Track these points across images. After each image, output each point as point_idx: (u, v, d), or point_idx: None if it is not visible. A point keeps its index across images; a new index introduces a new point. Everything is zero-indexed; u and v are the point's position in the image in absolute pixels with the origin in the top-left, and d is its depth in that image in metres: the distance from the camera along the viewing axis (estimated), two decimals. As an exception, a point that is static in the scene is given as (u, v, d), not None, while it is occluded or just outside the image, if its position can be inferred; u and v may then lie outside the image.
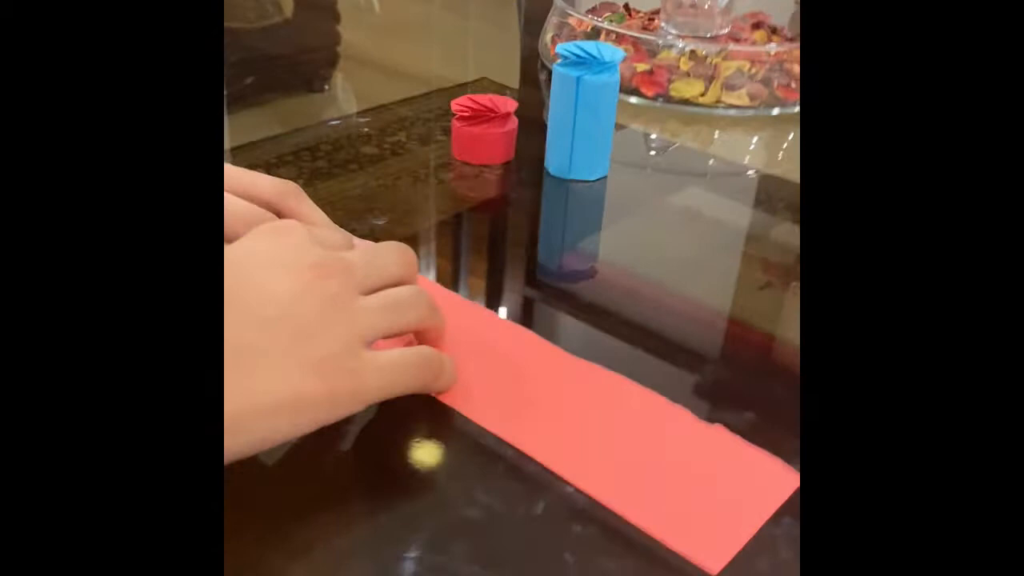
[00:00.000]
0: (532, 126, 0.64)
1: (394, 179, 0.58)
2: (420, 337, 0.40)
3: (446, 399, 0.39)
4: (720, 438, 0.38)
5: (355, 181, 0.57)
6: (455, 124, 0.60)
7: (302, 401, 0.32)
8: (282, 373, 0.31)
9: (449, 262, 0.51)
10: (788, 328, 0.47)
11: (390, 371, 0.35)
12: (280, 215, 0.42)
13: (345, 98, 0.81)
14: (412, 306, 0.37)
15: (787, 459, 0.37)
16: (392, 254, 0.38)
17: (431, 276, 0.49)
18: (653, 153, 0.69)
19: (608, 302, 0.48)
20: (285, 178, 0.44)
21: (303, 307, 0.33)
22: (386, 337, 0.36)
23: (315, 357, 0.32)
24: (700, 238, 0.55)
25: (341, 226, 0.44)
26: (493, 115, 0.58)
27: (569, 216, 0.57)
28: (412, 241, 0.51)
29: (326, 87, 0.80)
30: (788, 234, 0.56)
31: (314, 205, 0.43)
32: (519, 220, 0.57)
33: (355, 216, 0.52)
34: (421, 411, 0.38)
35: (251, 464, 0.34)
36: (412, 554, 0.31)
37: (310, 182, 0.57)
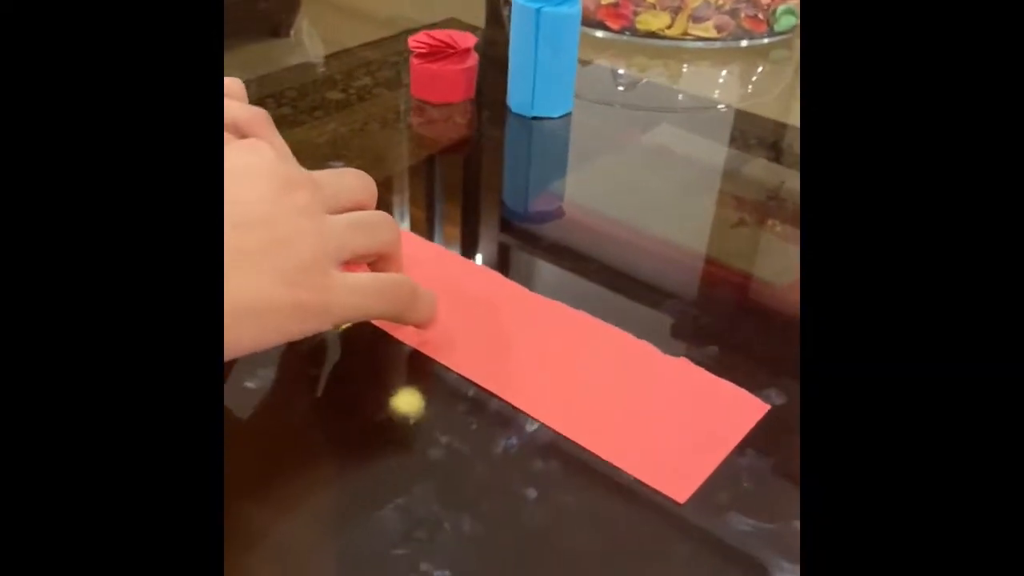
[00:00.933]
0: (498, 66, 0.62)
1: (362, 124, 0.56)
2: (380, 266, 0.38)
3: (408, 339, 0.38)
4: (685, 370, 0.37)
5: (321, 128, 0.56)
6: (413, 61, 0.58)
7: (269, 309, 0.31)
8: (251, 278, 0.30)
9: (418, 208, 0.50)
10: (758, 264, 0.47)
11: (362, 292, 0.34)
12: None
13: (311, 43, 0.79)
14: (381, 228, 0.36)
15: (752, 391, 0.37)
16: (355, 177, 0.38)
17: (402, 223, 0.48)
18: (621, 89, 0.68)
19: (575, 242, 0.48)
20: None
21: (275, 215, 0.32)
22: (355, 259, 0.35)
23: (285, 266, 0.32)
24: (670, 176, 0.55)
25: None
26: (452, 51, 0.57)
27: (534, 156, 0.56)
28: (381, 187, 0.50)
29: (292, 32, 0.78)
30: (761, 170, 0.55)
31: (280, 136, 0.42)
32: (485, 163, 0.56)
33: (322, 163, 0.51)
34: (384, 354, 0.38)
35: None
36: (375, 497, 0.31)
37: (274, 130, 0.55)
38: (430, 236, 0.47)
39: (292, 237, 0.32)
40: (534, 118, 0.58)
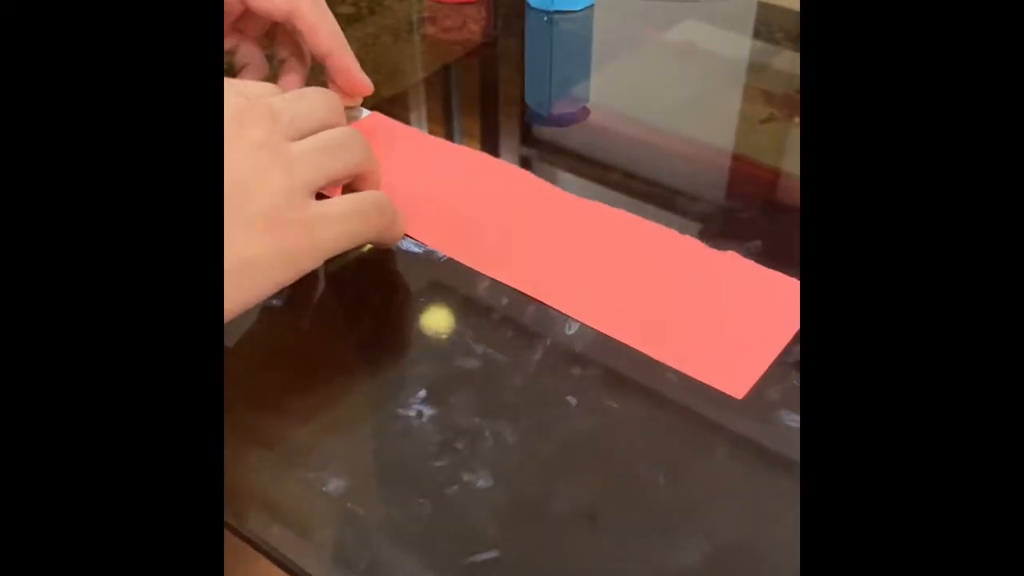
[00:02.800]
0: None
1: (374, 38, 0.54)
2: (358, 185, 0.35)
3: (439, 246, 0.37)
4: (734, 263, 0.36)
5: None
6: (424, -41, 0.55)
7: (254, 265, 0.29)
8: (225, 237, 0.28)
9: (438, 119, 0.48)
10: (790, 160, 0.44)
11: (344, 220, 0.32)
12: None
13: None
14: (349, 147, 0.33)
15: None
16: (317, 97, 0.34)
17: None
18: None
19: (603, 145, 0.45)
20: (265, 53, 0.43)
21: (231, 161, 0.29)
22: (329, 185, 0.33)
23: (257, 212, 0.29)
24: (697, 72, 0.52)
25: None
26: (464, -54, 0.54)
27: (556, 56, 0.53)
28: (399, 100, 0.48)
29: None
30: (789, 63, 0.52)
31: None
32: (506, 65, 0.53)
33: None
34: (416, 263, 0.36)
35: (246, 334, 0.33)
36: (411, 408, 0.30)
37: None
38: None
39: (254, 179, 0.30)
40: (555, 12, 0.55)
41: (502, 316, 0.34)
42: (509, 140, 0.46)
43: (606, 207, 0.39)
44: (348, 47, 0.41)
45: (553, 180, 0.42)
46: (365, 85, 0.43)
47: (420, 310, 0.35)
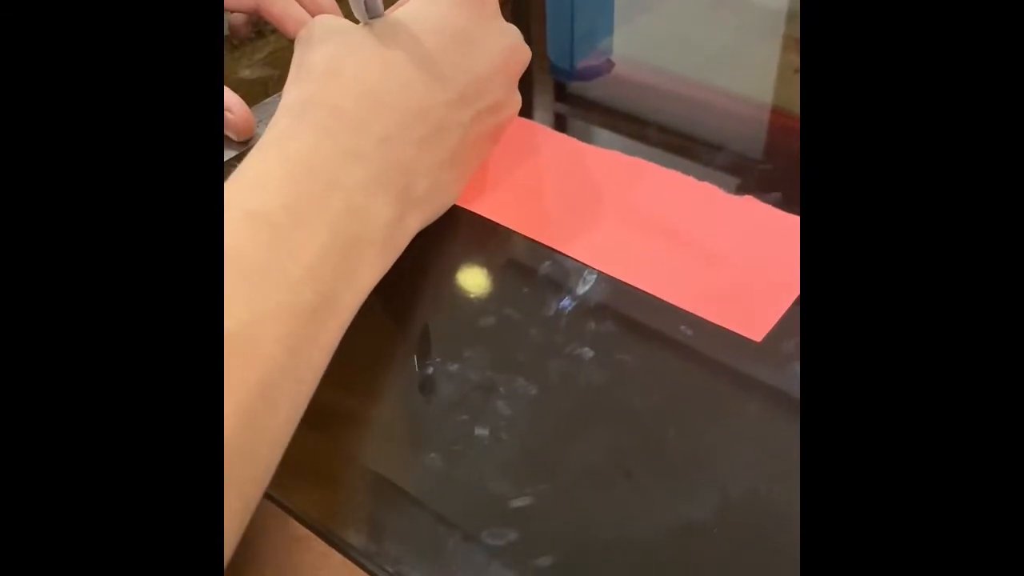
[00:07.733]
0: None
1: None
2: None
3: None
4: (751, 208, 0.35)
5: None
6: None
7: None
8: None
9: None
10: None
11: None
12: None
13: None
14: None
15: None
16: None
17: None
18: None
19: (629, 96, 0.44)
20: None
21: None
22: None
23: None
24: (727, 21, 0.50)
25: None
26: None
27: (579, 7, 0.52)
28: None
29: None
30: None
31: None
32: (536, 22, 0.52)
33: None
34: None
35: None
36: (427, 365, 0.31)
37: None
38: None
39: None
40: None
41: (518, 270, 0.34)
42: (543, 96, 0.46)
43: (622, 155, 0.38)
44: None
45: (585, 134, 0.42)
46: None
47: (436, 266, 0.35)
